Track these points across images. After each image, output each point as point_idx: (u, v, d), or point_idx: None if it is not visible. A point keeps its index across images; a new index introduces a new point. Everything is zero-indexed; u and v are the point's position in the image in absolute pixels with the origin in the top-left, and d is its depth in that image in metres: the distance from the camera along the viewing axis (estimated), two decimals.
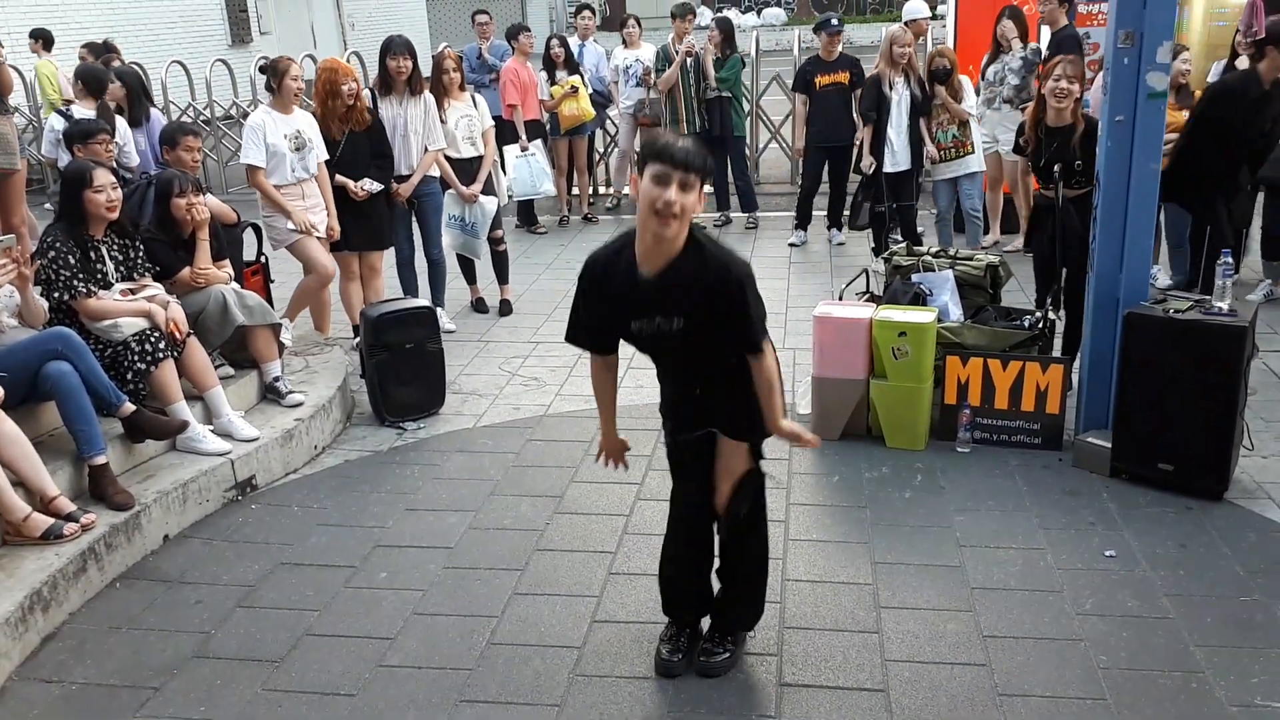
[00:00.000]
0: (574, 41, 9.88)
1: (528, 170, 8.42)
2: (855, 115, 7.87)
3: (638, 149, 9.61)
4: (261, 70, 6.48)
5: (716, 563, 3.41)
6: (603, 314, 3.05)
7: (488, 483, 4.68)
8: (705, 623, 3.47)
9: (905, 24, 8.18)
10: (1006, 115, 7.54)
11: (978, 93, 7.67)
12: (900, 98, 7.25)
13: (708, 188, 3.01)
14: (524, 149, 8.50)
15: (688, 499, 3.33)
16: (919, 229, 7.72)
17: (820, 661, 3.37)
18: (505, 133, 8.61)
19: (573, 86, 9.09)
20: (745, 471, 3.21)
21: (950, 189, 7.52)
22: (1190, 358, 4.15)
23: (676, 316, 2.92)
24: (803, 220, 8.61)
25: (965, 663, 3.33)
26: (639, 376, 5.54)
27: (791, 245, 8.49)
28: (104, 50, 8.75)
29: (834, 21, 8.27)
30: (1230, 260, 4.43)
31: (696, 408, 3.19)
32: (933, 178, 7.60)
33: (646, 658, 3.40)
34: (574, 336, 3.19)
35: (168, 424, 4.49)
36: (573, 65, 9.27)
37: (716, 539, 3.36)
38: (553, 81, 9.10)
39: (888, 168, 7.34)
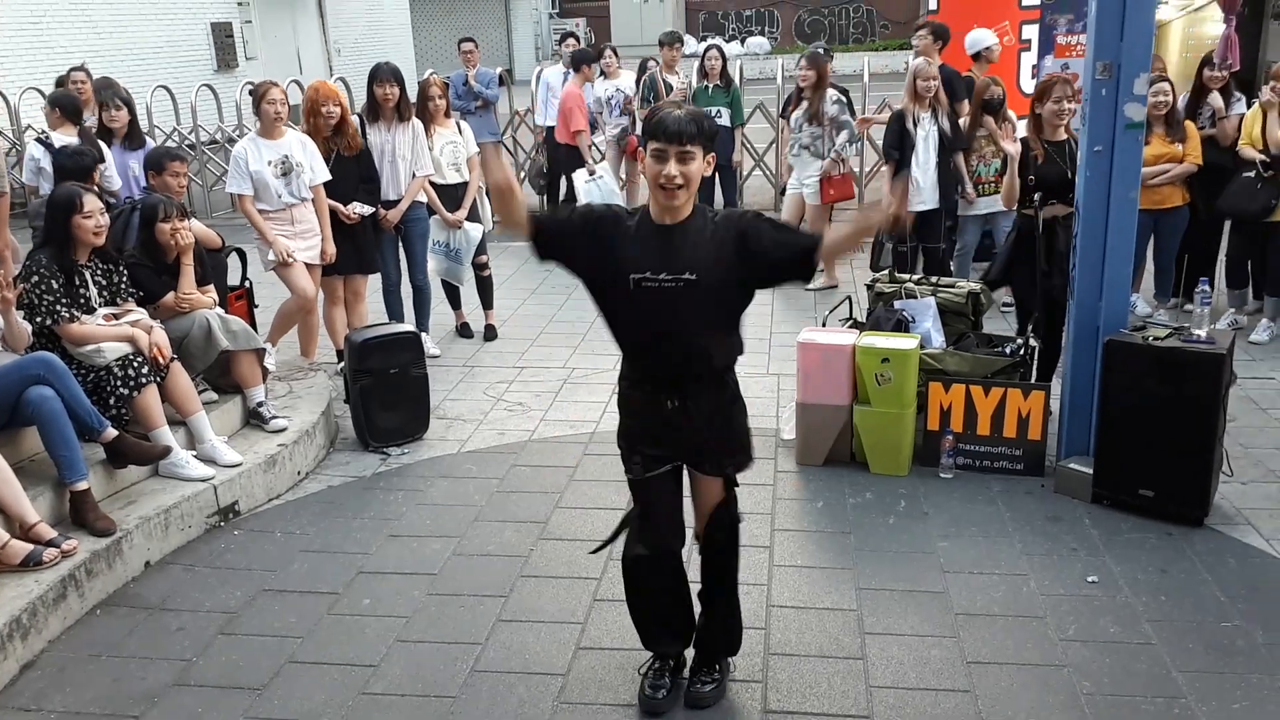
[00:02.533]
0: (559, 70, 9.96)
1: (598, 193, 8.54)
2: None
3: (623, 174, 9.75)
4: (251, 94, 6.50)
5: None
6: (589, 238, 2.92)
7: (472, 508, 4.67)
8: (689, 653, 3.41)
9: (973, 57, 7.93)
10: (807, 161, 7.77)
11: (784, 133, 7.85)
12: (927, 134, 6.93)
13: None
14: (591, 173, 8.66)
15: (657, 540, 3.18)
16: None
17: (805, 688, 3.37)
18: (573, 159, 8.70)
19: None
20: (721, 500, 3.17)
21: (980, 224, 7.22)
22: (1170, 385, 4.20)
23: (688, 271, 2.84)
24: None
25: (949, 689, 3.34)
26: None
27: None
28: (77, 73, 8.65)
29: (822, 50, 8.29)
30: (1208, 289, 4.49)
31: (668, 427, 3.03)
32: (966, 213, 7.23)
33: (632, 685, 3.39)
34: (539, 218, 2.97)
35: (150, 449, 4.47)
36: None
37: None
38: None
39: (914, 205, 6.91)
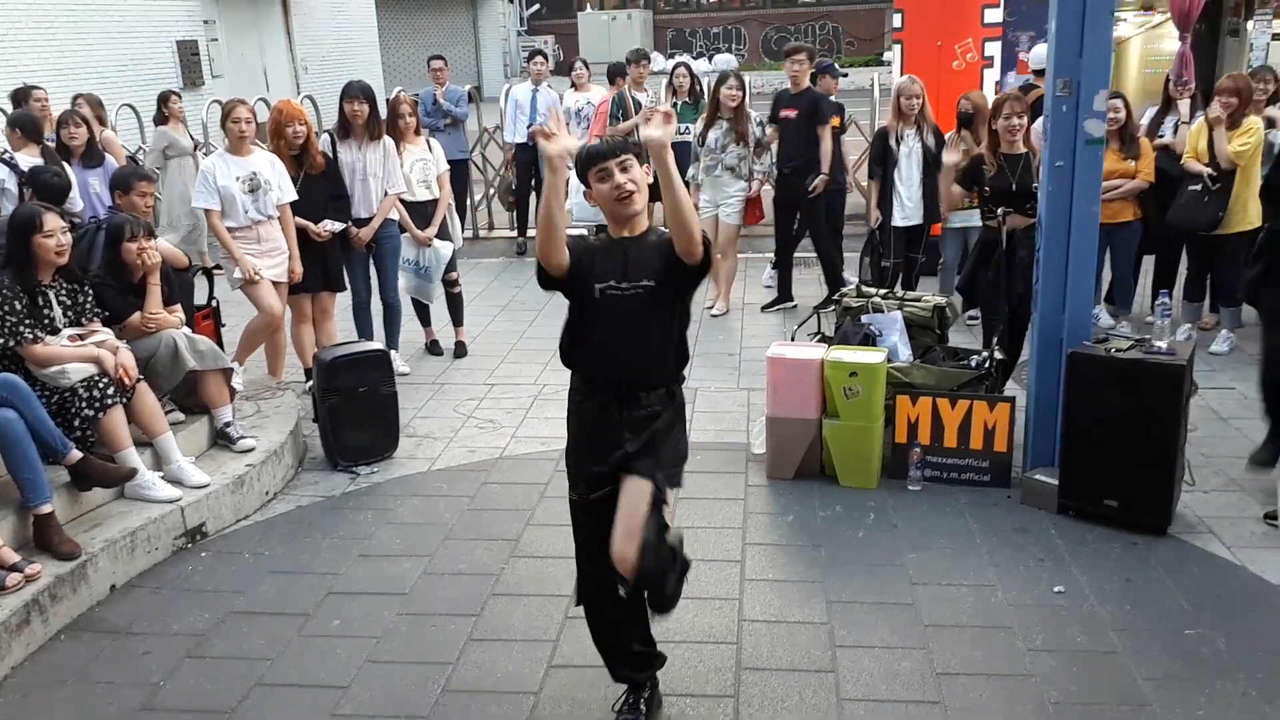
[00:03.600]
0: (527, 87, 9.98)
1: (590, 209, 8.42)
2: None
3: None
4: (219, 104, 6.49)
5: None
6: (575, 268, 3.07)
7: (442, 527, 4.66)
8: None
9: (1035, 72, 7.84)
10: (728, 182, 7.50)
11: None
12: (910, 150, 6.96)
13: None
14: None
15: (597, 573, 3.18)
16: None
17: (777, 702, 3.38)
18: None
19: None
20: (646, 520, 3.00)
21: (960, 239, 7.30)
22: (1132, 396, 4.26)
23: (645, 279, 3.03)
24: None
25: (919, 700, 3.36)
26: None
27: (767, 287, 8.38)
28: (27, 92, 8.57)
29: (836, 66, 8.07)
30: (1168, 301, 4.57)
31: (613, 438, 3.08)
32: (945, 227, 7.33)
33: (604, 702, 3.39)
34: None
35: (116, 471, 4.43)
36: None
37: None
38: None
39: (898, 221, 7.01)
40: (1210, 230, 6.33)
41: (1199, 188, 6.33)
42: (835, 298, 5.99)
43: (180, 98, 9.65)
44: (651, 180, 3.05)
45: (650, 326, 3.08)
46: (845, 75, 7.55)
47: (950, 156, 5.67)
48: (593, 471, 3.14)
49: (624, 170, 3.03)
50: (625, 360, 3.09)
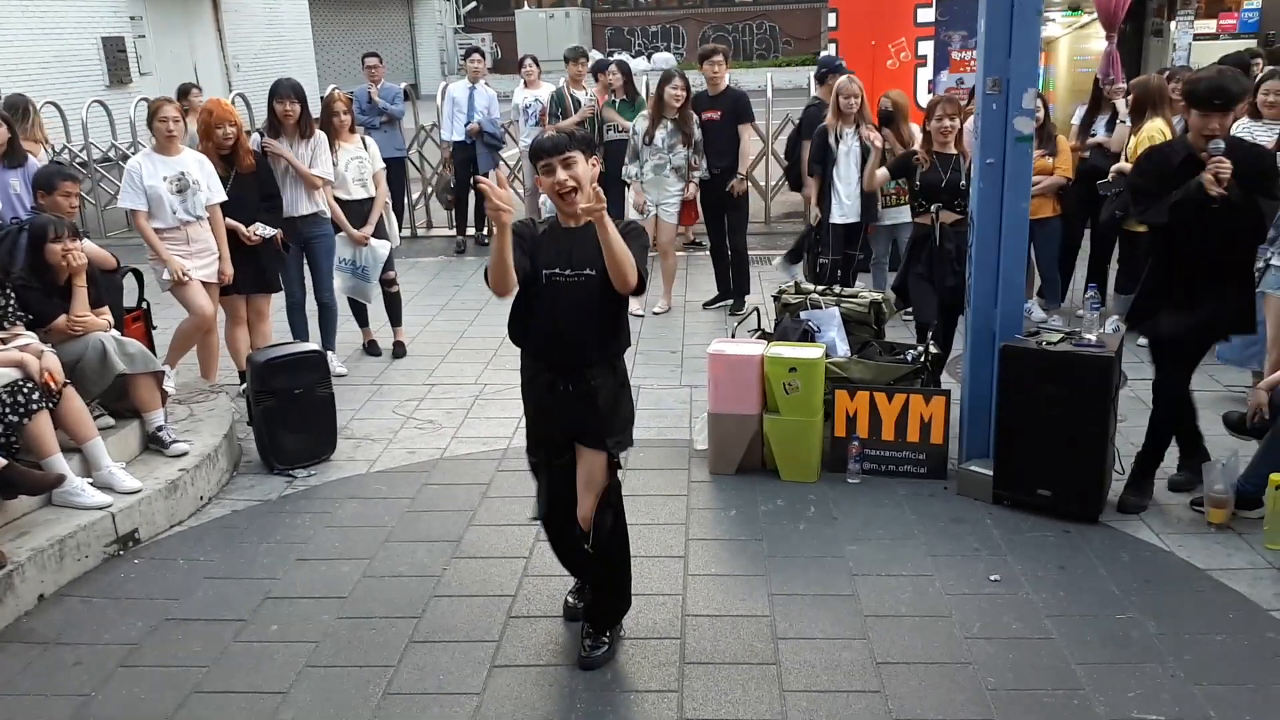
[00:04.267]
0: (464, 85, 9.91)
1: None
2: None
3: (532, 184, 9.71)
4: (145, 102, 6.35)
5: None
6: (520, 260, 3.26)
7: (382, 529, 4.61)
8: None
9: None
10: (672, 183, 7.48)
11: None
12: (849, 149, 7.00)
13: None
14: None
15: (557, 524, 3.63)
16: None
17: (720, 696, 3.40)
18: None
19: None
20: (605, 486, 3.47)
21: (889, 235, 7.40)
22: (1063, 388, 4.35)
23: (588, 267, 3.28)
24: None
25: (860, 690, 3.40)
26: None
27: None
28: None
29: (840, 64, 8.00)
30: (1097, 294, 4.67)
31: (564, 410, 3.41)
32: (876, 224, 7.33)
33: (548, 702, 3.38)
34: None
35: (43, 478, 4.31)
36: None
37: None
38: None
39: (836, 219, 7.07)
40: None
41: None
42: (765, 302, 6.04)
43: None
44: (597, 173, 3.29)
45: (592, 310, 3.33)
46: (853, 73, 7.47)
47: (876, 138, 5.94)
48: (548, 441, 3.50)
49: (567, 167, 3.24)
50: (569, 341, 3.36)
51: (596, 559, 3.54)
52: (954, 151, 5.75)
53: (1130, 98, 6.47)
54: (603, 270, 3.22)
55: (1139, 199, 4.37)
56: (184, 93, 8.51)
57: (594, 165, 3.32)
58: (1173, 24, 11.77)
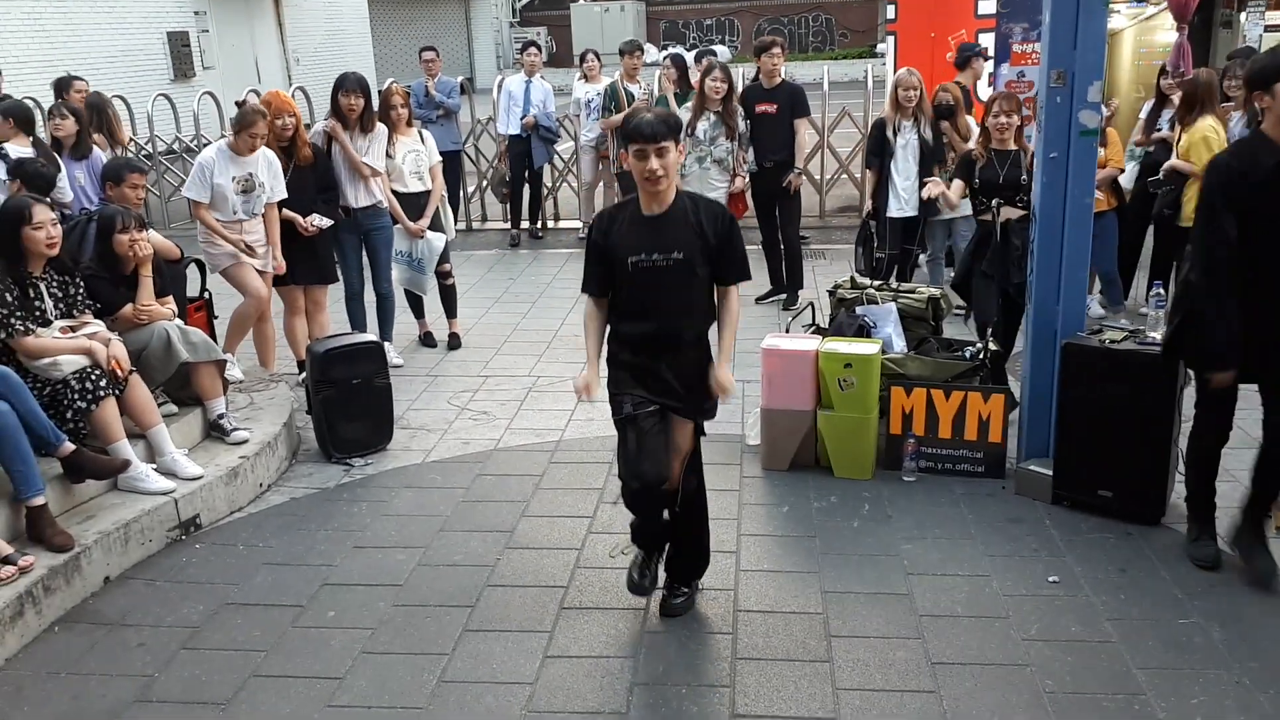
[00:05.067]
0: (520, 79, 9.96)
1: None
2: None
3: (603, 179, 9.73)
4: (236, 105, 6.45)
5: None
6: (605, 257, 3.49)
7: (437, 518, 4.65)
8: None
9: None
10: (716, 176, 7.36)
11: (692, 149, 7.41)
12: (907, 142, 6.94)
13: None
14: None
15: (643, 476, 3.51)
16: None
17: (773, 692, 3.38)
18: None
19: None
20: (689, 451, 3.64)
21: (945, 230, 7.30)
22: (1126, 387, 4.27)
23: (676, 250, 3.39)
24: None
25: (915, 690, 3.37)
26: (589, 410, 5.56)
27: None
28: (69, 82, 8.64)
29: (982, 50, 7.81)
30: (1162, 291, 4.57)
31: (654, 378, 3.51)
32: (932, 220, 7.23)
33: (600, 693, 3.39)
34: (586, 286, 3.61)
35: (109, 463, 4.41)
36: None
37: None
38: None
39: (893, 213, 7.02)
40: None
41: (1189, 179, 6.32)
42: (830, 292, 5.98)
43: None
44: (684, 160, 3.32)
45: (681, 292, 3.45)
46: (989, 59, 7.25)
47: (931, 190, 5.72)
48: (634, 394, 3.54)
49: (660, 155, 3.33)
50: (659, 322, 3.47)
51: (681, 519, 3.68)
52: (1014, 147, 5.66)
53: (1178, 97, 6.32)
54: (689, 253, 3.39)
55: (1214, 224, 3.69)
56: (64, 87, 8.51)
57: (681, 152, 3.44)
58: (1243, 15, 11.46)
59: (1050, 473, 4.57)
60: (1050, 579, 3.99)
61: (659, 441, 3.52)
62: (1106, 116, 6.31)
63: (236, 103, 6.65)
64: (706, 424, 3.74)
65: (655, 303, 3.44)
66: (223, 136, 5.88)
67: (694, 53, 9.36)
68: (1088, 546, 4.22)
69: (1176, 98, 6.87)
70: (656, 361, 3.50)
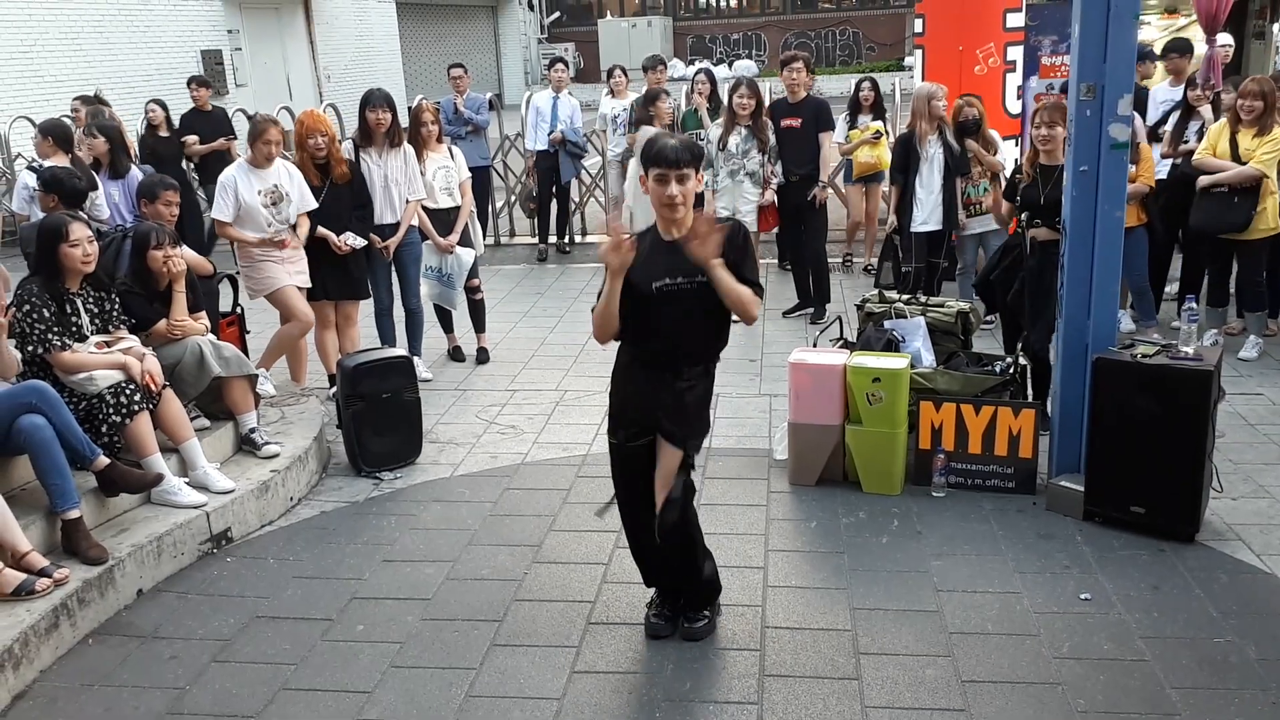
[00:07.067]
0: (548, 94, 10.01)
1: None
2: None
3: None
4: (247, 118, 6.53)
5: None
6: (626, 284, 3.38)
7: (465, 532, 4.67)
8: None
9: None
10: (748, 189, 7.48)
11: (715, 162, 7.51)
12: (931, 156, 6.89)
13: None
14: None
15: (632, 509, 3.65)
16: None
17: (801, 709, 3.36)
18: None
19: (876, 133, 8.78)
20: (678, 480, 3.54)
21: (976, 244, 7.29)
22: (1158, 402, 4.22)
23: (700, 273, 3.32)
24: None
25: (944, 708, 3.34)
26: None
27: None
28: (95, 102, 8.82)
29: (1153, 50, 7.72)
30: (1195, 305, 4.52)
31: (655, 399, 3.48)
32: (962, 234, 7.24)
33: (627, 709, 3.39)
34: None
35: (142, 477, 4.46)
36: (880, 110, 8.98)
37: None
38: (853, 125, 8.89)
39: (916, 226, 6.95)
40: (1240, 231, 6.25)
41: (1226, 189, 6.25)
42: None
43: None
44: (701, 189, 3.42)
45: (703, 315, 3.44)
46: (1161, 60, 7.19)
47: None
48: (630, 419, 3.55)
49: (680, 182, 3.32)
50: (676, 342, 3.47)
51: (665, 549, 3.62)
52: (1061, 161, 5.28)
53: (1249, 101, 6.17)
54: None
55: None
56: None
57: (699, 180, 3.41)
58: (1276, 26, 11.36)
59: (1082, 488, 4.52)
60: (1082, 596, 3.95)
61: (645, 478, 3.55)
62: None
63: (248, 117, 6.73)
64: (718, 440, 3.75)
65: (674, 323, 3.44)
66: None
67: (695, 71, 9.40)
68: (1120, 563, 4.18)
69: (1205, 109, 6.81)
70: (663, 379, 3.48)
